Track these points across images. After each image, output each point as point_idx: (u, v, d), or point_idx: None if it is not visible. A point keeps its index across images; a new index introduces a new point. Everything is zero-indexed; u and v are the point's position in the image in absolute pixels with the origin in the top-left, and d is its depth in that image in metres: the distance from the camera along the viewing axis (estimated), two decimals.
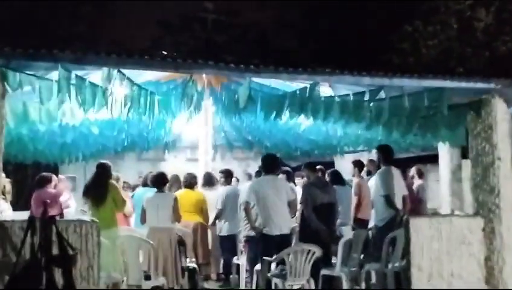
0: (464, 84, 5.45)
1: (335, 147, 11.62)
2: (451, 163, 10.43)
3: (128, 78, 4.72)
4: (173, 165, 11.35)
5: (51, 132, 8.37)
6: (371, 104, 5.65)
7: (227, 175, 7.96)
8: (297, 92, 5.38)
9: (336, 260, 6.13)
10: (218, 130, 11.06)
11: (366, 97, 5.48)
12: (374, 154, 10.91)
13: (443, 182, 10.65)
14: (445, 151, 10.52)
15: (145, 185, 7.56)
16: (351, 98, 5.53)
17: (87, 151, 10.28)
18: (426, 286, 5.25)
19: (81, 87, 4.62)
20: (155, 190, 6.48)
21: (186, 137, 11.19)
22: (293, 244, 6.62)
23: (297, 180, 8.43)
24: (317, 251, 5.36)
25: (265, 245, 5.95)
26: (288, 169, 8.19)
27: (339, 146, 11.59)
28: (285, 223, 6.01)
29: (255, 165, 11.69)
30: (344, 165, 10.51)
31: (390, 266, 6.04)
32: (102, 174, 6.25)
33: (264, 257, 5.71)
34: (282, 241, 5.87)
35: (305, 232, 6.24)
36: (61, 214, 7.21)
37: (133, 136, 10.14)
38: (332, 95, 5.82)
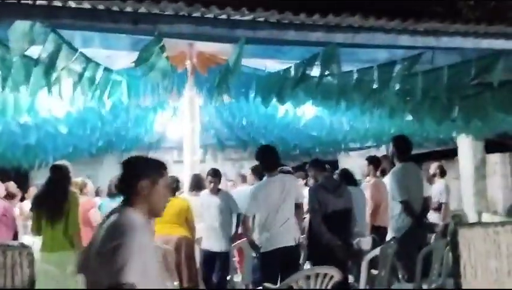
0: None
1: (339, 143, 10.50)
2: (475, 158, 9.26)
3: (67, 43, 3.30)
4: None
5: (9, 131, 7.14)
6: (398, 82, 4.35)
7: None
8: (304, 63, 4.00)
9: (353, 280, 4.89)
10: (207, 127, 9.81)
11: (396, 70, 4.12)
12: (382, 151, 9.86)
13: (464, 179, 9.47)
14: (466, 145, 9.35)
15: (111, 194, 6.17)
16: (376, 73, 4.17)
17: (56, 154, 8.99)
18: None
19: (4, 57, 3.25)
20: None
21: (172, 136, 9.94)
22: (300, 261, 5.38)
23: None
24: (336, 275, 4.05)
25: (265, 264, 4.74)
26: (290, 169, 6.88)
27: (344, 142, 10.44)
28: (290, 233, 4.76)
29: (249, 166, 10.51)
30: (349, 164, 9.21)
31: (425, 286, 4.79)
32: (59, 180, 4.91)
33: (265, 283, 4.39)
34: (287, 256, 4.66)
35: (314, 248, 4.89)
36: (16, 234, 5.84)
37: (109, 135, 8.92)
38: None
